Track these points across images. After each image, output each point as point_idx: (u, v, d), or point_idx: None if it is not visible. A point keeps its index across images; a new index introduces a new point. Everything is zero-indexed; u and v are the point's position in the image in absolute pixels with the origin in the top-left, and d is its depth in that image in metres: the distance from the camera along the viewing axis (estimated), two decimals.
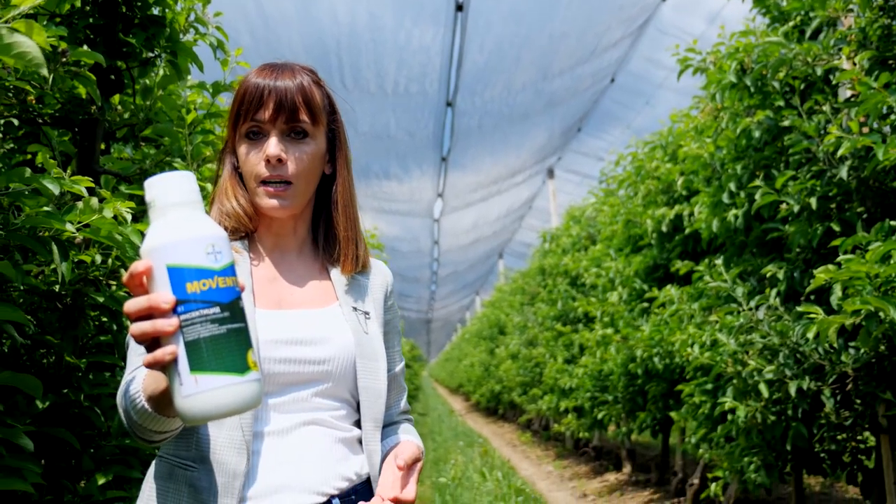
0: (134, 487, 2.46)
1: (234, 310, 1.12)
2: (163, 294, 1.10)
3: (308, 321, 1.61)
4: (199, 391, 1.09)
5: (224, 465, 1.50)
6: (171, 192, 1.14)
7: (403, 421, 1.80)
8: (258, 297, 1.61)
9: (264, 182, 1.59)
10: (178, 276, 1.10)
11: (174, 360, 1.10)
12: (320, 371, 1.57)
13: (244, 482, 1.50)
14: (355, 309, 1.66)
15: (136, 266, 1.13)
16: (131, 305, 1.13)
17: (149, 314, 1.12)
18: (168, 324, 1.11)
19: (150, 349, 1.14)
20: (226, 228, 1.65)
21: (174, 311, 1.09)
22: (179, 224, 1.12)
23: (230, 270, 1.13)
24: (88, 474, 2.39)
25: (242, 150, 1.62)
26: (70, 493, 2.29)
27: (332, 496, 1.56)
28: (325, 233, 1.73)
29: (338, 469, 1.58)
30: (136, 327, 1.12)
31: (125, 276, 1.15)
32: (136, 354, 1.49)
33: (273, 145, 1.58)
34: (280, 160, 1.58)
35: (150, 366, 1.13)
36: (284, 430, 1.55)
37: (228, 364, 1.10)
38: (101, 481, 2.33)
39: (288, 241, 1.70)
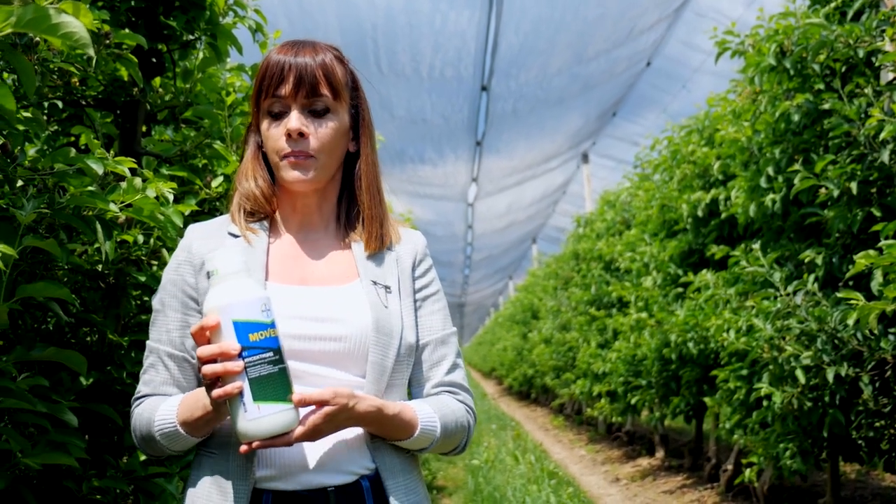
0: (174, 464, 2.50)
1: (281, 353, 1.43)
2: (232, 343, 1.40)
3: (328, 298, 1.61)
4: (261, 415, 1.40)
5: (239, 447, 1.53)
6: (230, 263, 1.45)
7: (443, 393, 1.70)
8: (280, 274, 1.63)
9: (286, 156, 1.60)
10: (242, 328, 1.40)
11: (240, 393, 1.40)
12: (337, 348, 1.57)
13: (258, 463, 1.54)
14: (375, 283, 1.66)
15: (208, 321, 1.40)
16: (204, 351, 1.40)
17: (216, 359, 1.40)
18: (236, 365, 1.39)
19: (211, 387, 1.42)
20: (244, 211, 1.67)
21: (239, 356, 1.39)
22: (239, 288, 1.44)
23: (275, 324, 1.44)
24: (130, 450, 2.44)
25: (265, 126, 1.63)
26: (113, 468, 2.33)
27: (363, 476, 1.57)
28: (347, 210, 1.74)
29: (364, 447, 1.58)
30: (209, 369, 1.40)
31: (195, 327, 1.41)
32: (155, 371, 1.63)
33: (294, 119, 1.59)
34: (301, 134, 1.59)
35: (219, 398, 1.40)
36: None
37: (281, 394, 1.41)
38: (142, 457, 2.37)
39: (313, 219, 1.71)
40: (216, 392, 1.40)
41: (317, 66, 1.60)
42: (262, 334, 1.41)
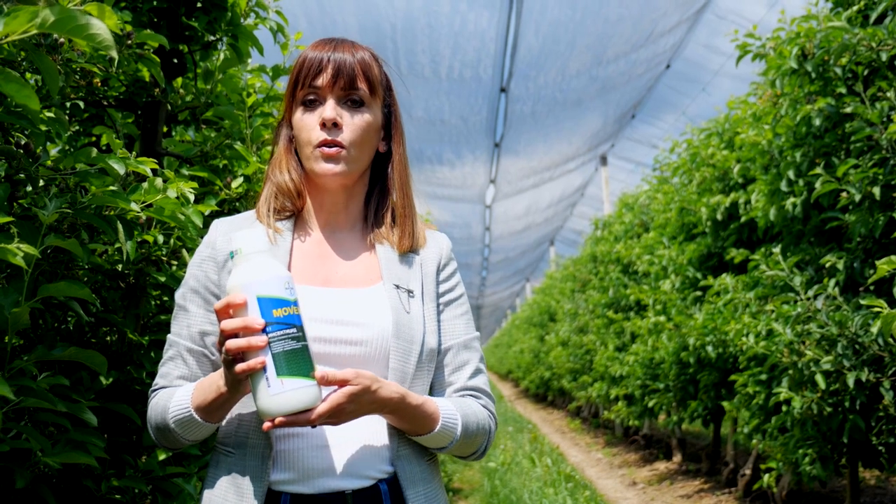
0: (193, 464, 2.51)
1: (303, 331, 1.44)
2: (255, 318, 1.40)
3: (350, 301, 1.61)
4: (284, 391, 1.40)
5: (255, 448, 1.54)
6: (254, 243, 1.47)
7: (467, 397, 1.69)
8: (303, 274, 1.63)
9: (319, 146, 1.60)
10: (266, 304, 1.41)
11: (263, 368, 1.39)
12: (357, 352, 1.57)
13: (274, 465, 1.54)
14: (398, 287, 1.65)
15: (234, 298, 1.41)
16: (228, 325, 1.40)
17: (239, 334, 1.39)
18: (260, 339, 1.39)
19: (233, 362, 1.41)
20: (274, 209, 1.67)
21: (263, 331, 1.39)
22: (262, 266, 1.45)
23: (297, 303, 1.45)
24: (149, 450, 2.44)
25: (298, 115, 1.64)
26: (131, 468, 2.34)
27: (380, 480, 1.56)
28: (375, 210, 1.73)
29: (384, 452, 1.58)
30: (233, 343, 1.39)
31: (221, 303, 1.42)
32: (174, 364, 1.64)
33: (329, 108, 1.59)
34: (336, 124, 1.59)
35: (243, 372, 1.39)
36: None
37: (304, 370, 1.41)
38: (161, 457, 2.38)
39: (340, 218, 1.70)
40: (240, 366, 1.39)
41: (355, 61, 1.62)
42: (285, 311, 1.41)
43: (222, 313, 1.42)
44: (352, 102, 1.62)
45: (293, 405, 1.40)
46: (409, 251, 1.71)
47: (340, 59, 1.61)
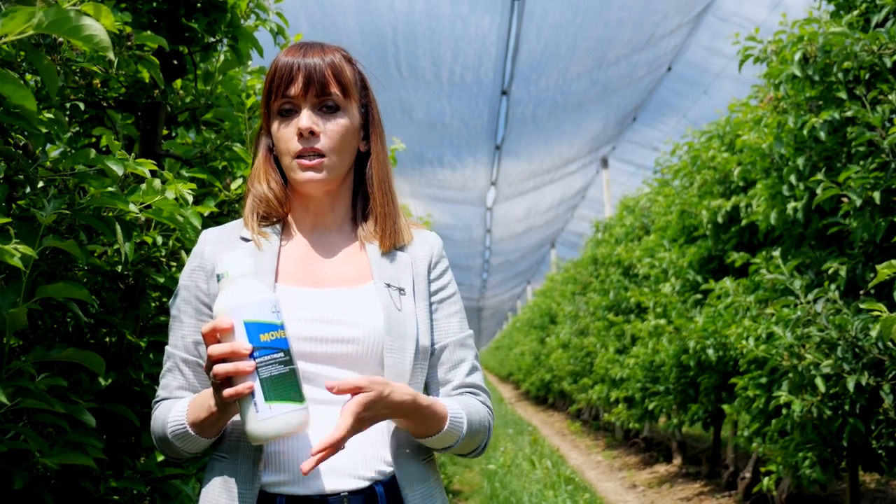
0: (191, 465, 2.50)
1: (291, 354, 1.43)
2: (243, 343, 1.40)
3: (340, 300, 1.60)
4: (272, 415, 1.40)
5: (246, 451, 1.54)
6: (240, 266, 1.46)
7: (465, 394, 1.68)
8: (292, 276, 1.63)
9: (298, 156, 1.60)
10: (253, 329, 1.41)
11: (251, 393, 1.39)
12: (349, 350, 1.56)
13: (267, 467, 1.54)
14: (389, 285, 1.64)
15: (221, 323, 1.40)
16: (215, 349, 1.39)
17: (227, 358, 1.39)
18: (248, 365, 1.39)
19: (221, 386, 1.41)
20: (258, 215, 1.67)
21: (250, 356, 1.39)
22: (249, 290, 1.44)
23: (284, 326, 1.44)
24: (148, 451, 2.44)
25: (275, 127, 1.64)
26: (130, 469, 2.34)
27: (376, 481, 1.55)
28: (362, 210, 1.73)
29: (380, 452, 1.57)
30: (220, 368, 1.39)
31: (207, 327, 1.41)
32: (172, 376, 1.65)
33: (305, 118, 1.59)
34: (312, 132, 1.59)
35: (230, 398, 1.39)
36: (319, 413, 1.53)
37: (292, 394, 1.41)
38: (159, 458, 2.38)
39: (327, 219, 1.70)
40: (228, 392, 1.39)
41: (325, 66, 1.61)
42: (272, 335, 1.41)
43: (209, 337, 1.41)
44: (326, 108, 1.62)
45: (281, 429, 1.40)
46: (394, 249, 1.70)
47: (311, 66, 1.60)
